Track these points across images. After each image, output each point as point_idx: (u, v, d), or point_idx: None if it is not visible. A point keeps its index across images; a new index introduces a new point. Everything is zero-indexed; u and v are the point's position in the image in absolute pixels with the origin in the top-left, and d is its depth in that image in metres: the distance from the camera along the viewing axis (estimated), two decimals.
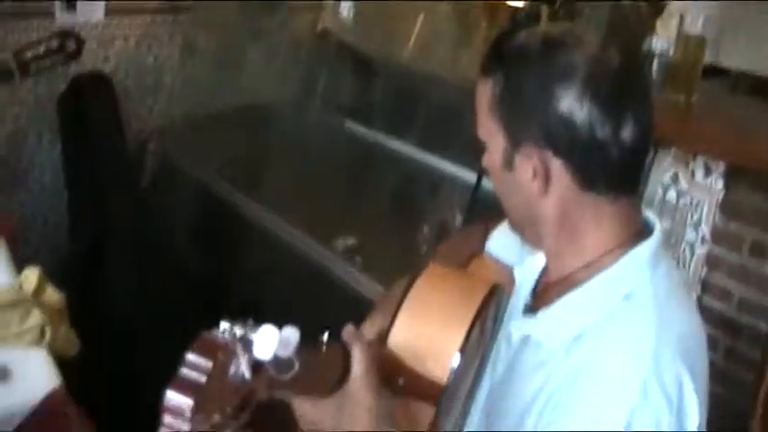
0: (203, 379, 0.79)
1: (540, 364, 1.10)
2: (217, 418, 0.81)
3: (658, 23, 2.26)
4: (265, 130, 3.18)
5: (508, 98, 1.07)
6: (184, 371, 0.79)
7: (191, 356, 0.80)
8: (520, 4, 2.47)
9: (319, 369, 0.96)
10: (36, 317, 1.70)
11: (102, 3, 3.04)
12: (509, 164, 1.10)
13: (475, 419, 1.26)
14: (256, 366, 0.84)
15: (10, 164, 3.06)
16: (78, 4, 3.00)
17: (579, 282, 1.11)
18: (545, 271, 1.23)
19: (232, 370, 0.82)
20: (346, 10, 3.17)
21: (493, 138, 1.11)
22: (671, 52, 2.27)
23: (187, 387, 0.79)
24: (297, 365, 0.87)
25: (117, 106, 3.10)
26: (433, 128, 2.94)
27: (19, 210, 3.12)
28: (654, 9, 2.28)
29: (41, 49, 2.31)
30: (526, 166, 1.07)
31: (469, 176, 2.66)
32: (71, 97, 3.02)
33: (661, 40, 2.28)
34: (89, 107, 3.00)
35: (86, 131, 3.00)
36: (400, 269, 1.27)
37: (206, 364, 0.79)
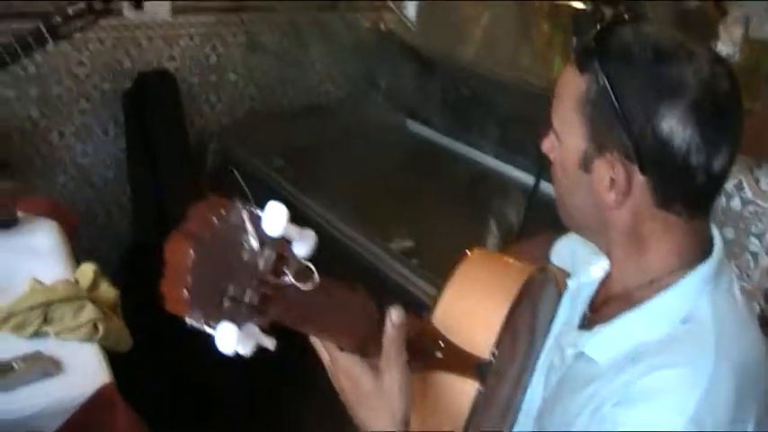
0: (207, 233, 0.73)
1: (591, 378, 1.06)
2: (227, 301, 0.75)
3: (721, 27, 2.18)
4: (326, 129, 3.18)
5: (603, 102, 0.99)
6: (188, 223, 0.74)
7: (195, 209, 0.74)
8: (582, 6, 2.42)
9: (344, 306, 0.91)
10: (90, 311, 1.72)
11: (169, 1, 3.09)
12: (586, 166, 1.04)
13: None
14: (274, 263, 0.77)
15: (76, 158, 3.13)
16: (145, 2, 3.04)
17: (640, 300, 1.06)
18: (605, 281, 1.19)
19: (241, 239, 0.75)
20: (411, 9, 3.15)
21: (572, 133, 1.05)
22: (736, 57, 2.19)
23: (189, 236, 0.73)
24: (316, 278, 0.81)
25: (180, 103, 3.14)
26: (494, 129, 2.91)
27: (82, 203, 3.19)
28: (719, 11, 2.20)
29: (69, 11, 2.29)
30: (604, 173, 1.02)
31: (528, 179, 2.61)
32: (136, 94, 3.07)
33: (725, 45, 2.20)
34: (153, 104, 3.05)
35: (150, 128, 3.04)
36: None
37: (211, 217, 0.74)
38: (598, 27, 1.04)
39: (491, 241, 2.56)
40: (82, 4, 2.27)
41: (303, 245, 0.79)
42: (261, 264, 0.76)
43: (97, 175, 3.20)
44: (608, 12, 2.16)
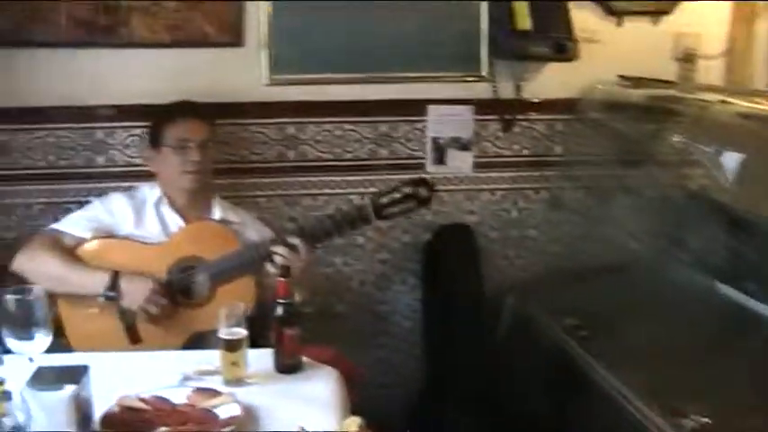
0: None
1: None
2: None
3: None
4: (627, 290, 2.97)
5: None
6: None
7: None
8: None
9: None
10: None
11: (471, 156, 3.13)
12: None
13: None
14: None
15: (374, 307, 3.20)
16: (448, 157, 3.12)
17: None
18: None
19: None
20: (723, 165, 2.91)
21: None
22: None
23: None
24: None
25: (478, 258, 3.12)
26: None
27: (376, 351, 3.24)
28: None
29: (396, 195, 2.42)
30: None
31: None
32: (434, 246, 3.11)
33: None
34: (450, 257, 3.06)
35: (446, 280, 3.04)
36: None
37: None
38: None
39: None
40: (408, 189, 2.41)
41: None
42: None
43: (394, 325, 3.25)
44: None
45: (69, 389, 1.57)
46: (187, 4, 2.89)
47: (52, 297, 2.46)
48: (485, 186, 3.19)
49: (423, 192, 2.45)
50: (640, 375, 2.37)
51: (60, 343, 2.54)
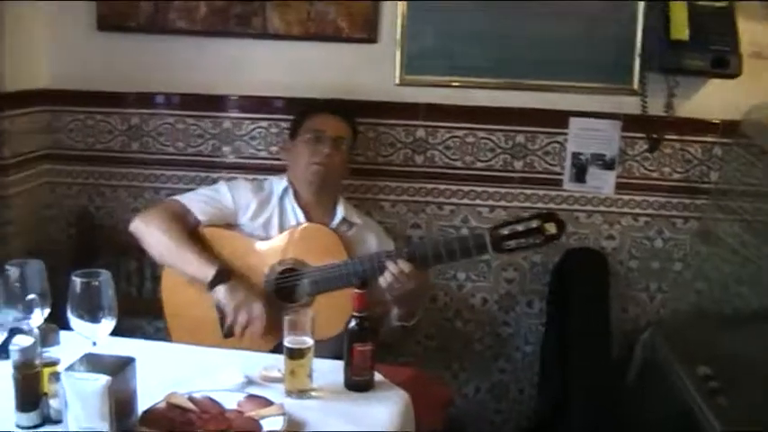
0: None
1: None
2: None
3: None
4: None
5: None
6: None
7: None
8: None
9: None
10: None
11: (614, 176, 2.86)
12: None
13: None
14: None
15: (496, 328, 3.00)
16: (588, 175, 2.86)
17: None
18: None
19: None
20: None
21: None
22: None
23: None
24: None
25: (608, 287, 2.85)
26: None
27: (496, 375, 3.05)
28: None
29: (519, 227, 2.23)
30: None
31: None
32: (563, 269, 2.87)
33: None
34: (578, 283, 2.80)
35: (571, 307, 2.79)
36: None
37: None
38: None
39: None
40: (534, 224, 2.21)
41: None
42: None
43: (515, 349, 3.04)
44: None
45: (103, 379, 1.51)
46: None
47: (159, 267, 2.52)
48: (627, 210, 2.90)
49: (551, 229, 2.24)
50: None
51: (158, 327, 2.57)
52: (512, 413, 3.09)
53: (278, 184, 2.59)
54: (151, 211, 2.52)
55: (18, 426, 1.61)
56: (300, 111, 2.65)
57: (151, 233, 2.44)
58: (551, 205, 2.89)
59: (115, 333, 1.71)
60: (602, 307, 2.82)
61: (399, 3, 2.81)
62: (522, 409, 3.08)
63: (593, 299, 2.82)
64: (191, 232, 2.45)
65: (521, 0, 2.77)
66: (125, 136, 2.99)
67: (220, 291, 2.32)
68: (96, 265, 2.80)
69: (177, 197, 2.57)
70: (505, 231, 2.25)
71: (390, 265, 2.24)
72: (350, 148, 2.64)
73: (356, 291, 1.88)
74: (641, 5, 2.74)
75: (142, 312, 2.83)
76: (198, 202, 2.53)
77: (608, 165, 2.86)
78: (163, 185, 3.00)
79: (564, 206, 2.90)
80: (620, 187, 2.88)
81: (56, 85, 2.97)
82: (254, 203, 2.54)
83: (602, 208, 2.91)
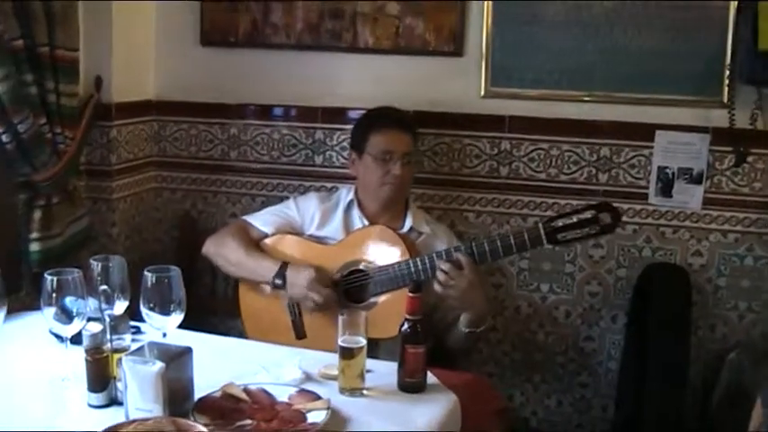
0: None
1: None
2: None
3: None
4: None
5: None
6: None
7: None
8: None
9: None
10: None
11: (702, 191, 2.80)
12: None
13: None
14: None
15: (579, 342, 2.99)
16: (675, 189, 2.82)
17: None
18: None
19: None
20: None
21: None
22: None
23: None
24: None
25: (689, 304, 2.77)
26: None
27: (578, 390, 3.03)
28: None
29: (573, 218, 2.24)
30: None
31: None
32: (643, 286, 2.82)
33: None
34: (658, 302, 2.74)
35: (650, 326, 2.74)
36: None
37: None
38: None
39: None
40: (588, 214, 2.23)
41: None
42: None
43: (598, 364, 3.01)
44: None
45: (158, 365, 1.63)
46: (410, 11, 2.90)
47: (235, 282, 2.65)
48: (715, 226, 2.83)
49: (606, 218, 2.24)
50: None
51: (236, 326, 2.69)
52: (595, 429, 3.05)
53: (346, 195, 2.67)
54: (219, 232, 2.70)
55: (89, 405, 1.76)
56: (365, 124, 2.66)
57: (220, 252, 2.60)
58: (636, 219, 2.87)
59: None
60: (682, 332, 2.73)
61: (485, 16, 2.85)
62: (605, 428, 3.03)
63: (672, 322, 2.73)
64: (256, 245, 2.59)
65: (606, 12, 2.78)
66: (225, 145, 3.18)
67: (288, 275, 2.43)
68: (196, 266, 3.00)
69: (243, 217, 2.74)
70: (560, 223, 2.27)
71: (441, 263, 2.29)
72: (417, 159, 2.69)
73: (409, 294, 1.93)
74: (731, 16, 2.69)
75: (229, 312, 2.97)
76: (264, 215, 2.68)
77: (695, 179, 2.80)
78: (258, 192, 3.16)
79: (649, 220, 2.86)
80: (707, 202, 2.81)
81: (162, 97, 3.20)
82: (319, 213, 2.63)
83: (688, 223, 2.85)
